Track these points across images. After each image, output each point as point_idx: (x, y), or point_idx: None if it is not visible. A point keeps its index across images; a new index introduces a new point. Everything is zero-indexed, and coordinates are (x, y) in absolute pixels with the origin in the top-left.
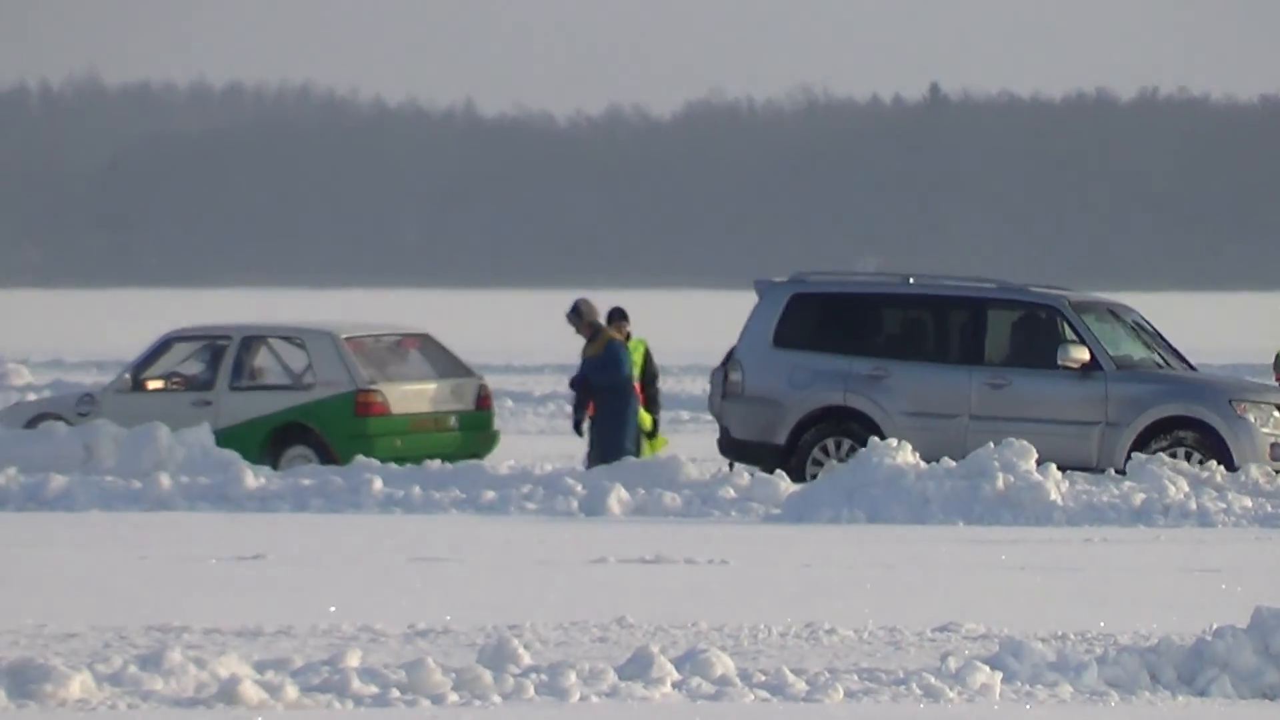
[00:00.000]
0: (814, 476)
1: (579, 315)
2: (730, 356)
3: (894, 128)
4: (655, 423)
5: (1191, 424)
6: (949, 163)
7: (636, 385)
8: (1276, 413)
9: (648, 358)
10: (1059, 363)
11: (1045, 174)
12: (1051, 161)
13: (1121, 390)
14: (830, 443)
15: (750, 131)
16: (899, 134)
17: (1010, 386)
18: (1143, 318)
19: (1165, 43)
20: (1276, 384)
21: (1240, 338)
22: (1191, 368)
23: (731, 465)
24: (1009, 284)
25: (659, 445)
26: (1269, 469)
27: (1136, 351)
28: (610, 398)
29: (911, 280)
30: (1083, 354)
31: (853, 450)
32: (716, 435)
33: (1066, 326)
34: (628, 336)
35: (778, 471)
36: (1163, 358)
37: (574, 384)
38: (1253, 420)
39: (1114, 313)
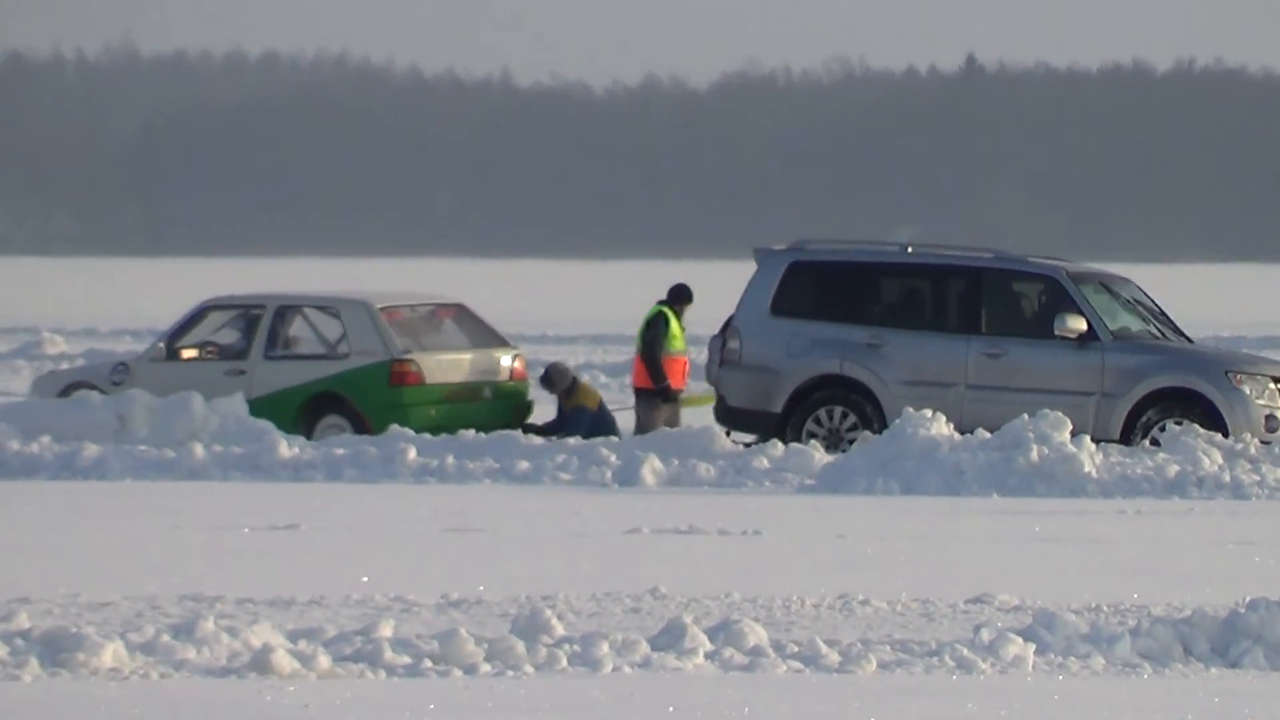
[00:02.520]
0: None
1: (550, 383)
2: (728, 324)
3: (930, 99)
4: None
5: (1187, 395)
6: (985, 134)
7: (679, 359)
8: (1272, 384)
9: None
10: (1056, 333)
11: (1081, 146)
12: (1087, 133)
13: (1118, 361)
14: (825, 412)
15: (786, 103)
16: (935, 105)
17: (1007, 356)
18: (1140, 289)
19: (1202, 13)
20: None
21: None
22: (1188, 340)
23: (729, 433)
24: (1006, 254)
25: (701, 402)
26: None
27: (1133, 323)
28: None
29: (910, 249)
30: (1080, 324)
31: (845, 417)
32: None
33: (1064, 297)
34: (677, 314)
35: (811, 442)
36: (1159, 329)
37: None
38: (1248, 392)
39: (1111, 284)
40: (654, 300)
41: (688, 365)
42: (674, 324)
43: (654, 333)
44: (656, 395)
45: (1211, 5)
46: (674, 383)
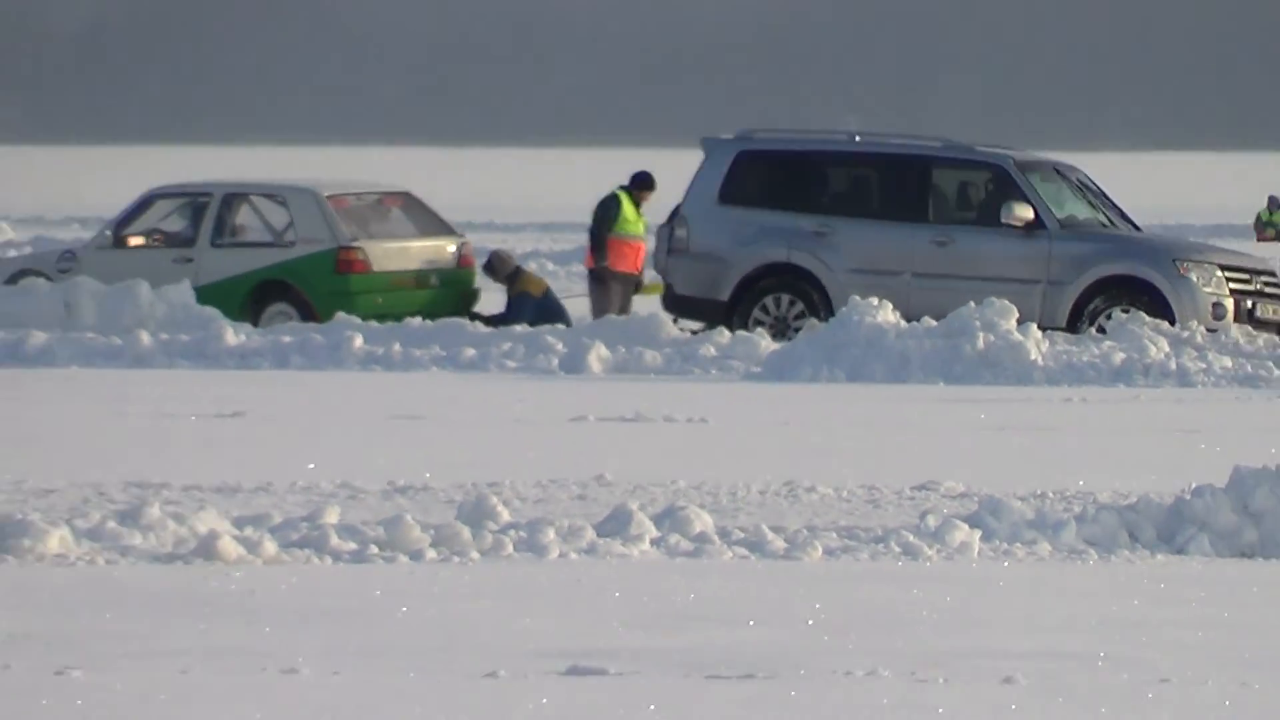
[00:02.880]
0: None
1: (493, 270)
2: (676, 213)
3: None
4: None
5: (1134, 283)
6: (932, 22)
7: (631, 243)
8: (1219, 272)
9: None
10: (1003, 221)
11: (1029, 35)
12: (1035, 23)
13: (1065, 249)
14: (772, 300)
15: None
16: None
17: (954, 244)
18: (1089, 177)
19: None
20: (1257, 243)
21: (1224, 197)
22: (1136, 228)
23: (675, 321)
24: (955, 142)
25: (653, 290)
26: (1247, 329)
27: (1081, 211)
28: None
29: (857, 138)
30: (1027, 213)
31: (792, 305)
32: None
33: (1011, 185)
34: (636, 201)
35: (758, 330)
36: (1108, 218)
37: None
38: (1195, 280)
39: (1060, 172)
40: (609, 186)
41: (643, 251)
42: (628, 207)
43: (603, 213)
44: (594, 276)
45: None
46: (620, 265)
